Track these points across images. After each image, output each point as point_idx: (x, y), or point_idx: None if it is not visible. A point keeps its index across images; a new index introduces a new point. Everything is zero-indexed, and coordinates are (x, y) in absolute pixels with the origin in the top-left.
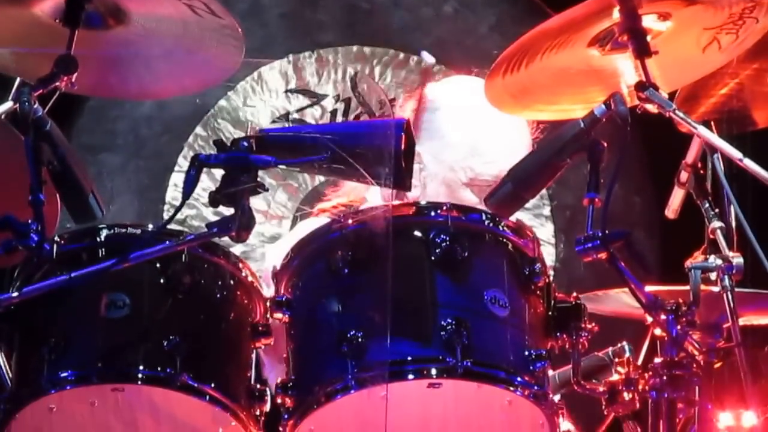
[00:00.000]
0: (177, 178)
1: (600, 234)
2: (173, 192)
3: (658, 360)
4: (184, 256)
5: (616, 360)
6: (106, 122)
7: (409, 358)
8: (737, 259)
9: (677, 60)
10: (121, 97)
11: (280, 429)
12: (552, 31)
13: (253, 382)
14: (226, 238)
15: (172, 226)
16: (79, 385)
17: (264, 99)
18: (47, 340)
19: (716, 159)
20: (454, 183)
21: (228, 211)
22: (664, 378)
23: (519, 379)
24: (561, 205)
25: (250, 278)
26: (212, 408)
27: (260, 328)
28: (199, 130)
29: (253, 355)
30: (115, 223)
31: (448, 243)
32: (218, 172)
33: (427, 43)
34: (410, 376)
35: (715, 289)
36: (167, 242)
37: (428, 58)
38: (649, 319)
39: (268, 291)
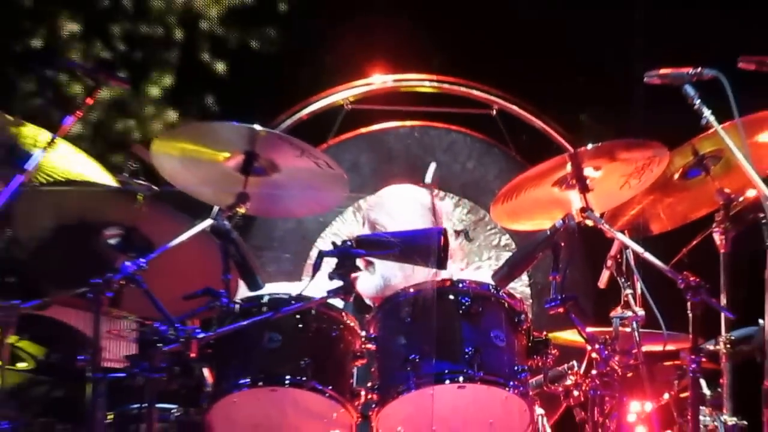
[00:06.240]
0: (308, 264)
1: (559, 297)
2: (307, 273)
3: (594, 372)
4: (313, 310)
5: (569, 372)
6: (267, 230)
7: (446, 371)
8: (640, 312)
9: (605, 193)
10: (274, 216)
11: (370, 414)
12: (531, 177)
13: (354, 386)
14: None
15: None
16: (251, 387)
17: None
18: (231, 360)
19: (628, 252)
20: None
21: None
22: (598, 382)
23: (512, 383)
24: (535, 281)
25: (351, 323)
26: (330, 402)
27: (357, 354)
28: (322, 236)
29: (355, 371)
30: (272, 292)
31: (469, 302)
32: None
33: (456, 186)
34: (447, 382)
35: (628, 330)
36: (302, 302)
37: (429, 174)
38: (589, 347)
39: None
